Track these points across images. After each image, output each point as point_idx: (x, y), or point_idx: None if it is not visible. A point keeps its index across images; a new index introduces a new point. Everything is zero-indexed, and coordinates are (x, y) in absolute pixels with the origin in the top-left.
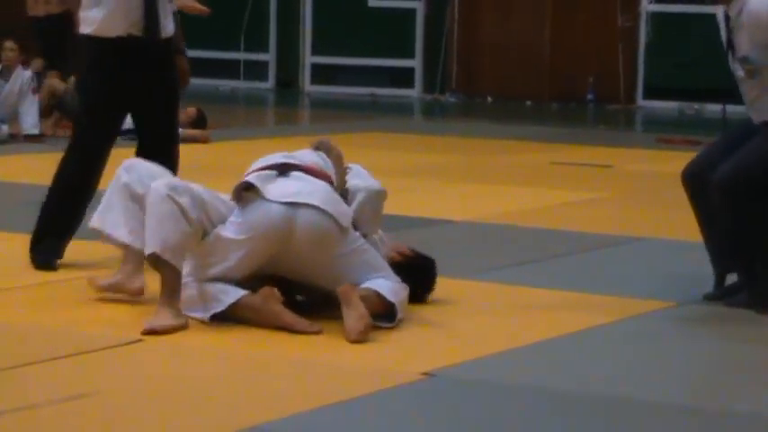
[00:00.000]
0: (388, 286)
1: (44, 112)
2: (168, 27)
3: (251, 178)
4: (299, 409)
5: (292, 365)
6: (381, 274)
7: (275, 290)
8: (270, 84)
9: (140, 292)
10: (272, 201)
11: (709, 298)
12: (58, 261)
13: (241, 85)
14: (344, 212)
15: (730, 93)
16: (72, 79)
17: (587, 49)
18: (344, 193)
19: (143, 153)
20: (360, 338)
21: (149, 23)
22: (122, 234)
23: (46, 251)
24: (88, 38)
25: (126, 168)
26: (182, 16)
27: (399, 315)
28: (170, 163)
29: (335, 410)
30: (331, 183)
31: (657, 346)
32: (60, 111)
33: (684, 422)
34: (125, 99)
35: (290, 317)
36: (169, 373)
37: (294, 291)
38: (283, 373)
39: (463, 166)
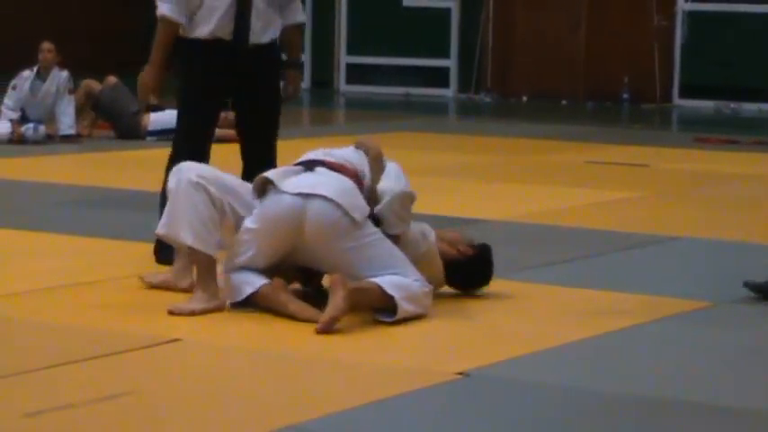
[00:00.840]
0: (392, 281)
1: (80, 113)
2: (264, 34)
3: (270, 173)
4: (334, 409)
5: (328, 364)
6: (394, 270)
7: (282, 280)
8: (305, 84)
9: (190, 290)
10: (285, 192)
11: (750, 286)
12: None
13: None
14: (358, 206)
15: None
16: (108, 79)
17: (622, 48)
18: (373, 194)
19: (243, 156)
20: (323, 329)
21: (238, 28)
22: (187, 237)
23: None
24: (180, 39)
25: (176, 171)
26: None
27: (407, 309)
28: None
29: (370, 410)
30: (359, 180)
31: (693, 347)
32: (96, 111)
33: (720, 423)
34: (218, 96)
35: (294, 305)
36: (206, 373)
37: (320, 280)
38: (319, 372)
39: (498, 166)
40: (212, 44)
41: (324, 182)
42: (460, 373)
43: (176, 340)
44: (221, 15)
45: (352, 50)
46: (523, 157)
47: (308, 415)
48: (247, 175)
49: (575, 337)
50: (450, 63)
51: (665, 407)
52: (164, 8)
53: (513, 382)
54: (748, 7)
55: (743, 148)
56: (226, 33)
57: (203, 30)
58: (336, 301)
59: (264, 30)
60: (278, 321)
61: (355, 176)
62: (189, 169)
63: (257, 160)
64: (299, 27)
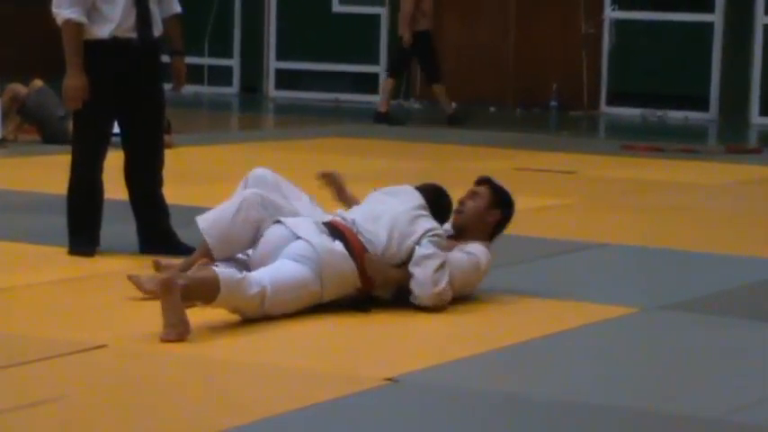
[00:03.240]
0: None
1: (5, 117)
2: (157, 28)
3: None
4: (261, 415)
5: (256, 370)
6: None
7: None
8: (234, 89)
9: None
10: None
11: None
12: (98, 248)
13: (205, 90)
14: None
15: (691, 99)
16: (34, 83)
17: (551, 55)
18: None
19: (128, 155)
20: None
21: (142, 23)
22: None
23: (84, 242)
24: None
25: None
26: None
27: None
28: (155, 165)
29: (299, 416)
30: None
31: (620, 352)
32: (22, 115)
33: (646, 427)
34: (114, 100)
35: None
36: (134, 378)
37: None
38: (247, 377)
39: (427, 172)
40: (114, 43)
41: (314, 231)
42: (389, 379)
43: (102, 346)
44: (121, 10)
45: (281, 56)
46: (452, 163)
47: (236, 421)
48: (134, 178)
49: (503, 343)
50: (380, 69)
51: (593, 412)
52: (65, 13)
53: (441, 388)
54: (674, 16)
55: (669, 155)
56: (128, 30)
57: (103, 29)
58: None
59: (156, 23)
60: (205, 326)
61: (357, 245)
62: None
63: (145, 165)
64: (180, 17)
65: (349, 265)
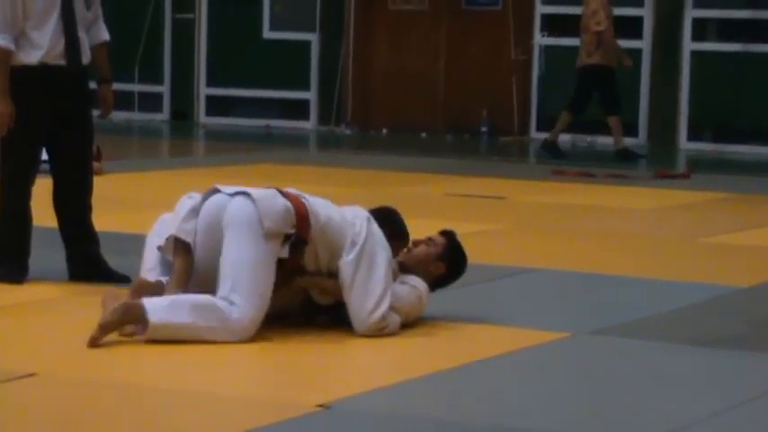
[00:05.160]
0: (198, 302)
1: None
2: (85, 55)
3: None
4: None
5: (187, 396)
6: (226, 289)
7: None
8: (165, 115)
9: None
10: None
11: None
12: (26, 276)
13: (135, 116)
14: (272, 216)
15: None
16: None
17: (481, 81)
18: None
19: (57, 182)
20: (90, 343)
21: (70, 49)
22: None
23: (13, 269)
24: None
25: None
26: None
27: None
28: (84, 192)
29: None
30: (302, 214)
31: (551, 377)
32: None
33: None
34: (42, 126)
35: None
36: (63, 407)
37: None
38: (178, 404)
39: (359, 198)
40: (43, 70)
41: (254, 189)
42: (321, 405)
43: (32, 375)
44: (50, 36)
45: (211, 82)
46: (383, 189)
47: None
48: (63, 204)
49: (435, 368)
50: (311, 95)
51: None
52: None
53: (374, 414)
54: None
55: (598, 180)
56: (57, 56)
57: (31, 55)
58: (105, 315)
59: (85, 50)
60: (134, 352)
61: (300, 210)
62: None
63: (74, 192)
64: (107, 45)
65: (285, 204)
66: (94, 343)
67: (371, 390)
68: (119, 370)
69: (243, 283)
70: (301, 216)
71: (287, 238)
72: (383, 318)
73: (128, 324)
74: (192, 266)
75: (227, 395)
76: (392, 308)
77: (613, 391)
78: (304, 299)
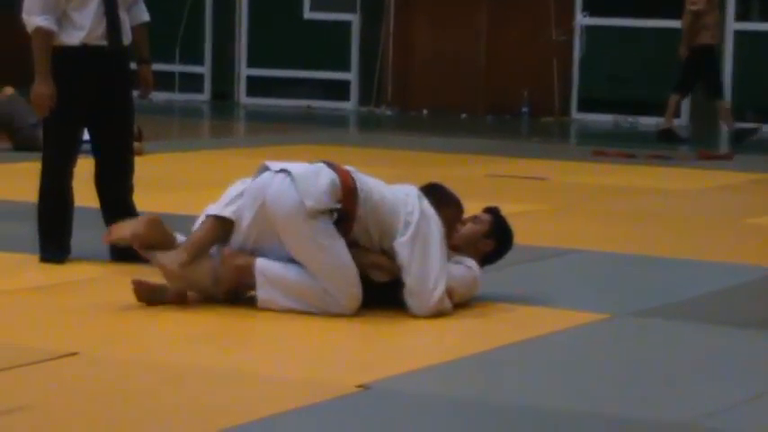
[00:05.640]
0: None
1: None
2: (126, 36)
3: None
4: (229, 423)
5: (226, 377)
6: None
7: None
8: (205, 96)
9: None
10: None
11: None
12: (68, 256)
13: (176, 97)
14: (313, 194)
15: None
16: (5, 90)
17: (522, 62)
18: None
19: (99, 162)
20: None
21: (112, 30)
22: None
23: (55, 250)
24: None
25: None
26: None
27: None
28: (125, 173)
29: (269, 423)
30: (349, 190)
31: (591, 358)
32: None
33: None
34: (84, 107)
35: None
36: (103, 386)
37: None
38: (216, 384)
39: (399, 179)
40: (84, 51)
41: (299, 165)
42: (360, 386)
43: (74, 354)
44: (92, 17)
45: (252, 62)
46: (424, 170)
47: (203, 429)
48: (105, 185)
49: (475, 350)
50: (351, 76)
51: (563, 419)
52: (36, 20)
53: (413, 395)
54: (645, 22)
55: (640, 161)
56: (98, 37)
57: (73, 36)
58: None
59: (126, 31)
60: (174, 331)
61: (347, 183)
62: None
63: (116, 172)
64: (147, 26)
65: (330, 177)
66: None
67: (411, 370)
68: (159, 350)
69: (328, 279)
70: (348, 189)
71: (332, 212)
72: (441, 299)
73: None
74: (210, 242)
75: (268, 375)
76: (449, 289)
77: (654, 373)
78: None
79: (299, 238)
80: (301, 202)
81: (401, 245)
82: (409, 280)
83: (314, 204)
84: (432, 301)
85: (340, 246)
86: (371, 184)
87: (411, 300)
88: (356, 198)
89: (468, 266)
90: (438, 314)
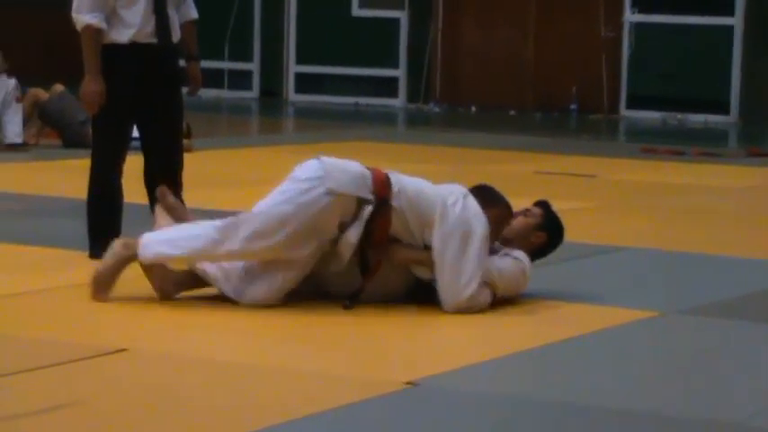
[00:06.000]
0: None
1: (26, 122)
2: (175, 33)
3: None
4: (279, 420)
5: (274, 374)
6: None
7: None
8: (254, 93)
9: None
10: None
11: None
12: None
13: (225, 94)
14: (337, 178)
15: (711, 103)
16: (55, 88)
17: (571, 59)
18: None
19: (148, 159)
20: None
21: (160, 28)
22: None
23: (104, 246)
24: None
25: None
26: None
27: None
28: (174, 170)
29: (317, 420)
30: (383, 184)
31: (640, 356)
32: (43, 120)
33: (661, 429)
34: (133, 104)
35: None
36: (152, 382)
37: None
38: (264, 381)
39: (448, 176)
40: (134, 48)
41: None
42: (409, 383)
43: (122, 350)
44: (141, 15)
45: (301, 60)
46: (473, 166)
47: (253, 425)
48: (154, 182)
49: (523, 347)
50: (400, 73)
51: (612, 415)
52: (85, 18)
53: (461, 392)
54: (694, 19)
55: (689, 158)
56: (148, 35)
57: (123, 34)
58: None
59: (175, 29)
60: (220, 328)
61: (379, 175)
62: None
63: (165, 169)
64: (196, 23)
65: (361, 169)
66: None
67: (459, 368)
68: (206, 346)
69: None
70: (380, 180)
71: (365, 202)
72: (473, 296)
73: None
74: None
75: (315, 372)
76: (492, 282)
77: (702, 371)
78: (407, 279)
79: (274, 192)
80: (321, 180)
81: (436, 236)
82: (441, 273)
83: (334, 187)
84: (461, 297)
85: (284, 202)
86: (407, 180)
87: (442, 293)
88: (389, 187)
89: (515, 257)
90: (468, 310)
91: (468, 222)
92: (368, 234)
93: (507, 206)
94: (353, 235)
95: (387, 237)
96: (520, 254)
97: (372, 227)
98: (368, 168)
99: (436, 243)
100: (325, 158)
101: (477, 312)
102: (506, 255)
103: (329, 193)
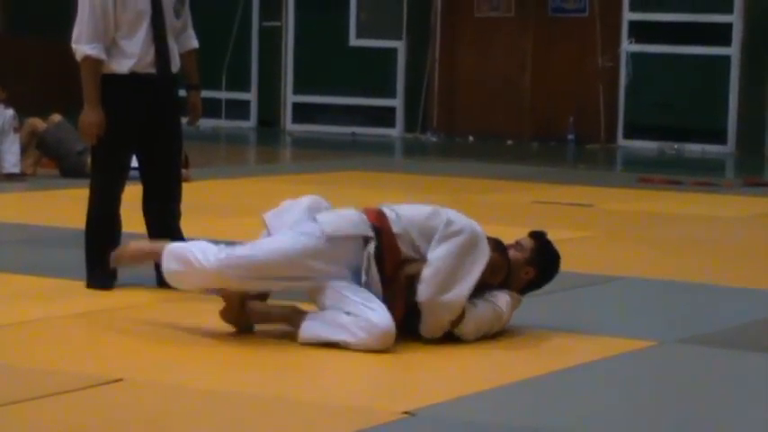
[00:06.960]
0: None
1: (24, 152)
2: (174, 63)
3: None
4: None
5: (272, 403)
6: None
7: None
8: (251, 122)
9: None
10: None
11: None
12: (115, 282)
13: (223, 123)
14: (331, 222)
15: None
16: (53, 118)
17: (568, 89)
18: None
19: (146, 189)
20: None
21: (160, 58)
22: None
23: (102, 276)
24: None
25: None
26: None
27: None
28: (173, 199)
29: None
30: (381, 220)
31: (638, 385)
32: (41, 150)
33: None
34: (133, 134)
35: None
36: (148, 413)
37: None
38: (263, 411)
39: (445, 205)
40: (133, 78)
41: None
42: (406, 413)
43: (118, 380)
44: (140, 45)
45: (298, 89)
46: (470, 196)
47: None
48: (152, 212)
49: (521, 377)
50: (397, 103)
51: None
52: (85, 49)
53: (459, 422)
54: (691, 49)
55: (686, 188)
56: (147, 65)
57: (122, 64)
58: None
59: (174, 59)
60: (218, 358)
61: (372, 211)
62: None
63: (163, 198)
64: (196, 52)
65: (355, 212)
66: None
67: (457, 397)
68: (204, 376)
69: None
70: (374, 215)
71: (368, 240)
72: (451, 305)
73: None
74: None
75: (312, 402)
76: (464, 311)
77: (700, 401)
78: (404, 306)
79: (279, 235)
80: (321, 230)
81: (436, 240)
82: (427, 268)
83: (331, 232)
84: (438, 297)
85: (292, 237)
86: (399, 206)
87: (423, 284)
88: (385, 217)
89: (493, 302)
90: (433, 316)
91: (470, 240)
92: (381, 267)
93: (506, 257)
94: (373, 273)
95: (399, 266)
96: (499, 298)
97: (383, 259)
98: (359, 210)
99: (434, 245)
100: (319, 217)
101: (438, 328)
102: (485, 300)
103: (330, 240)
